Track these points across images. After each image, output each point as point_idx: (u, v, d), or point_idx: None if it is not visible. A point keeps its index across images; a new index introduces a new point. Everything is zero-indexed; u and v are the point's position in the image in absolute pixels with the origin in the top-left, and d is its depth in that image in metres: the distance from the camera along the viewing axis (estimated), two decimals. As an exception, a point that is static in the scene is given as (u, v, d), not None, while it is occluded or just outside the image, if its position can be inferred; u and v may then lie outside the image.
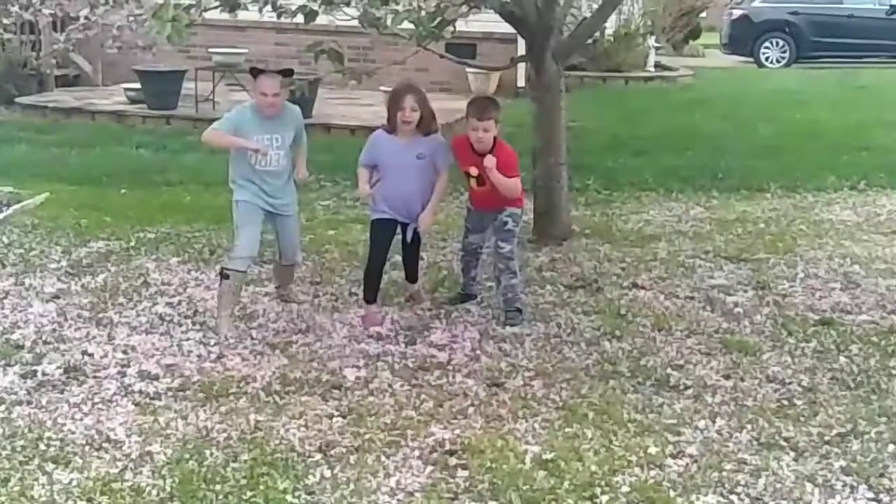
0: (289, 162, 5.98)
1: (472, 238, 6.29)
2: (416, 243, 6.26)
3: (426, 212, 6.02)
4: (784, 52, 21.83)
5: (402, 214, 6.01)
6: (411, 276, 6.38)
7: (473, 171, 5.98)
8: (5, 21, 12.88)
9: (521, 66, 12.96)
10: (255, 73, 5.92)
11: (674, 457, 4.45)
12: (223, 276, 5.92)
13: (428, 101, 5.93)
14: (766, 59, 21.85)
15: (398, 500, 4.08)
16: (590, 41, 12.49)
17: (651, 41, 17.79)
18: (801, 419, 4.84)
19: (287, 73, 6.10)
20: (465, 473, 4.27)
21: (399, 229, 6.11)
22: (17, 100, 13.53)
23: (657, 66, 18.04)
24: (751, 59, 21.90)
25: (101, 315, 6.05)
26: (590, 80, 16.15)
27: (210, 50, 13.17)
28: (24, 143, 11.22)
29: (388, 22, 6.43)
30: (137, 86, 12.99)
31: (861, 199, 9.35)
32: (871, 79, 17.21)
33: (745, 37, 22.08)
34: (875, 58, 21.11)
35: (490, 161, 5.82)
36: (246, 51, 13.57)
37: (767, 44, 21.94)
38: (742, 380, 5.27)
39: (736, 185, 9.72)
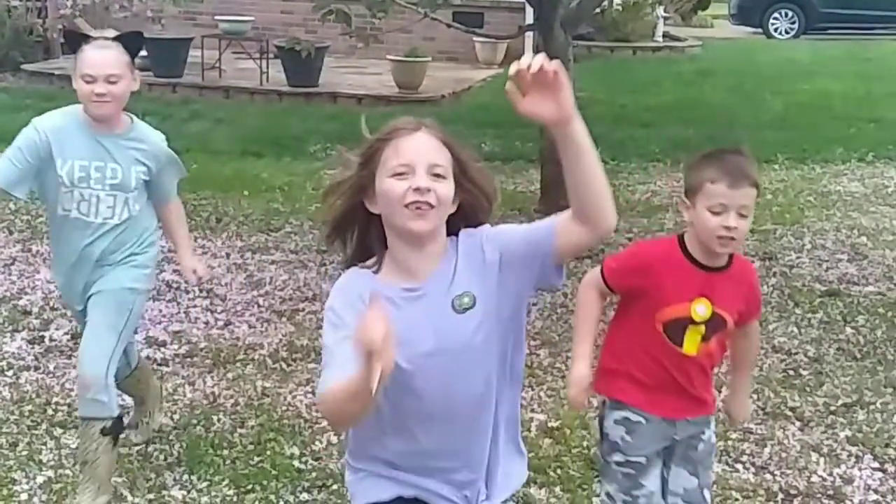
0: (132, 216, 3.74)
1: (649, 482, 3.07)
2: None
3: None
4: (793, 23, 21.65)
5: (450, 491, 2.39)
6: None
7: (702, 310, 2.98)
8: (11, -14, 12.82)
9: (529, 36, 12.91)
10: (75, 40, 3.67)
11: (679, 426, 4.46)
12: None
13: (461, 148, 2.34)
14: (775, 30, 21.68)
15: (404, 466, 4.10)
16: (598, 10, 12.41)
17: (659, 11, 17.66)
18: (807, 389, 4.85)
19: (131, 39, 3.72)
20: (472, 441, 4.28)
21: None
22: (23, 67, 13.48)
23: (665, 36, 17.92)
24: (759, 30, 21.73)
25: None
26: (598, 51, 16.06)
27: (216, 17, 13.11)
28: (30, 111, 11.11)
29: None
30: (143, 53, 12.94)
31: (869, 171, 9.32)
32: (880, 51, 17.10)
33: (754, 7, 21.89)
34: (885, 30, 20.95)
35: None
36: (252, 18, 13.49)
37: (776, 15, 21.75)
38: (748, 350, 5.28)
39: (743, 157, 9.68)
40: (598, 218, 2.21)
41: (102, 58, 3.59)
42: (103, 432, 3.69)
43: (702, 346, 3.02)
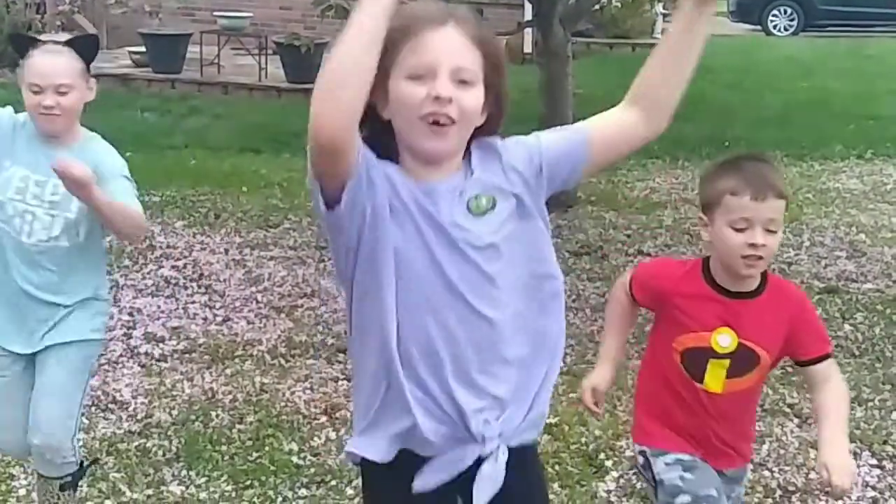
0: (79, 241, 3.22)
1: None
2: None
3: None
4: (792, 20, 21.66)
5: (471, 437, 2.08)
6: None
7: (724, 341, 2.61)
8: (9, -18, 12.82)
9: (528, 32, 12.91)
10: (23, 44, 3.18)
11: (678, 422, 4.46)
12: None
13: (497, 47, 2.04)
14: (774, 27, 21.68)
15: (403, 462, 4.10)
16: (597, 7, 12.40)
17: (659, 8, 17.66)
18: (806, 386, 4.84)
19: (85, 44, 3.19)
20: (470, 437, 4.28)
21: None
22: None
23: (664, 33, 17.94)
24: (758, 28, 21.75)
25: (106, 277, 6.05)
26: (596, 47, 16.07)
27: (215, 13, 13.10)
28: (28, 106, 11.20)
29: None
30: (142, 49, 12.95)
31: (868, 168, 9.32)
32: (879, 48, 17.10)
33: (753, 4, 21.88)
34: (884, 27, 20.96)
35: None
36: (251, 14, 13.48)
37: (775, 12, 21.75)
38: (746, 347, 5.29)
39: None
40: (662, 113, 2.12)
41: (52, 65, 3.08)
42: (62, 488, 3.28)
43: (727, 384, 2.60)
